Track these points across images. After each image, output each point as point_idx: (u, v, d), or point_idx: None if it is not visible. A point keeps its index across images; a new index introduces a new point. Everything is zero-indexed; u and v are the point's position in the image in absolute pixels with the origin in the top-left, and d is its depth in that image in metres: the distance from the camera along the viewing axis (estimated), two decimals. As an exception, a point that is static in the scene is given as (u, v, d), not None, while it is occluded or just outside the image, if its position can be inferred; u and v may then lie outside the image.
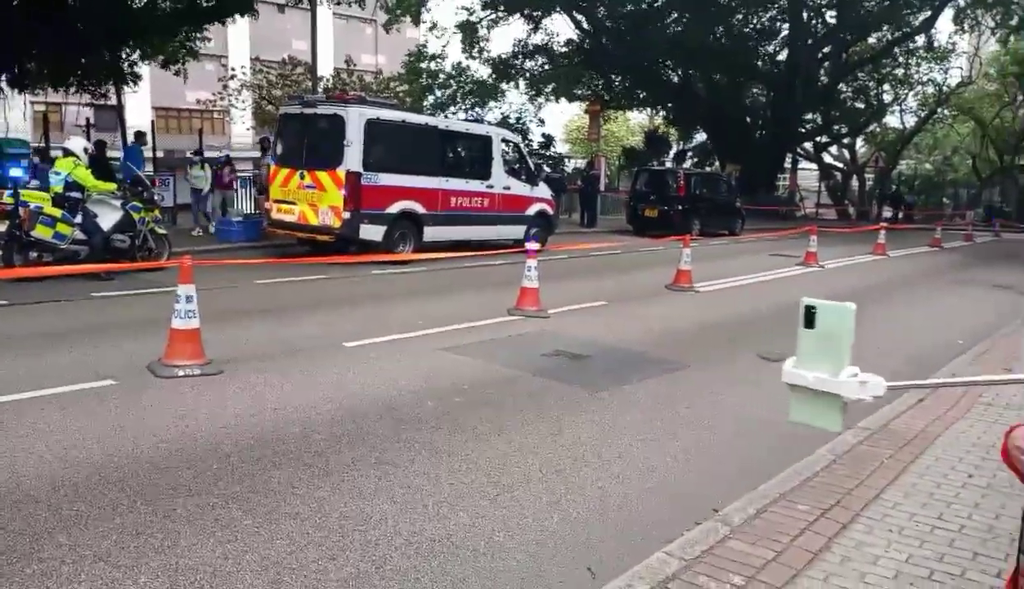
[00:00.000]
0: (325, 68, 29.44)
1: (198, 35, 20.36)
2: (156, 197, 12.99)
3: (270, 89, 28.67)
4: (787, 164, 37.72)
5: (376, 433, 5.10)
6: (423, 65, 32.99)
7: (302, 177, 13.50)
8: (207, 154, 18.47)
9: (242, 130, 38.05)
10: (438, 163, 14.77)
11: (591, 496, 4.34)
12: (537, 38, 33.51)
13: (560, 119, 53.08)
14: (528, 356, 7.39)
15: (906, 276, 15.83)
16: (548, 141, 34.66)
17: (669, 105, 36.77)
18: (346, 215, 13.03)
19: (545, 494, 4.31)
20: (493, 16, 31.77)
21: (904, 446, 5.24)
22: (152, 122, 25.02)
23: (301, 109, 13.96)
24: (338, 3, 27.47)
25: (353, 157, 13.05)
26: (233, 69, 29.41)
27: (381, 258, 12.49)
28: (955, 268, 18.06)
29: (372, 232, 13.32)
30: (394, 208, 13.64)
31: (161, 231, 12.15)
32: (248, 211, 18.48)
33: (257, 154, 21.88)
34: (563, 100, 36.10)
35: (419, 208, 14.09)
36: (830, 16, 33.82)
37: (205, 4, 18.65)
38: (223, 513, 3.86)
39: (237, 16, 20.89)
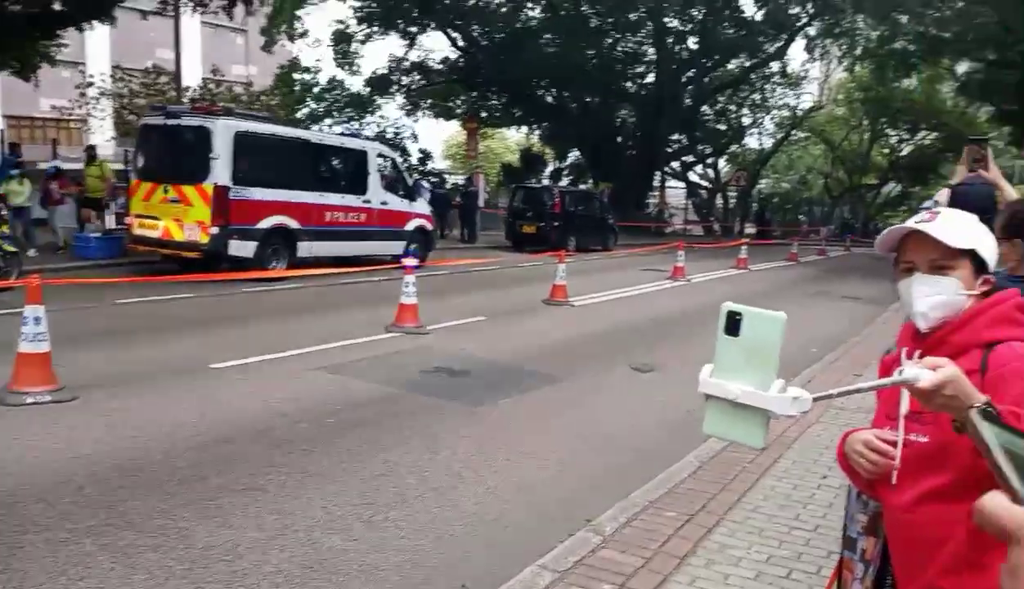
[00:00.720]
0: (192, 78, 28.26)
1: (49, 43, 19.08)
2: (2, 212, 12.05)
3: (132, 98, 27.22)
4: (656, 182, 39.31)
5: (244, 458, 4.91)
6: (296, 77, 32.29)
7: (166, 191, 12.89)
8: (64, 165, 17.21)
9: (101, 140, 35.88)
10: (312, 177, 14.46)
11: (467, 513, 4.34)
12: (414, 54, 33.55)
13: (439, 135, 53.10)
14: (406, 373, 7.33)
15: (765, 289, 16.77)
16: (426, 156, 34.68)
17: (544, 124, 37.59)
18: (214, 230, 12.53)
19: (421, 513, 4.28)
20: (368, 30, 31.51)
21: (765, 450, 5.54)
22: (2, 131, 23.24)
23: (164, 120, 13.34)
24: (202, 10, 26.45)
25: (221, 170, 12.59)
26: (91, 76, 27.71)
27: (252, 275, 12.07)
28: (810, 281, 19.28)
29: (242, 248, 12.87)
30: (265, 223, 13.24)
31: (10, 248, 11.29)
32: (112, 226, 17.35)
33: (121, 166, 20.61)
34: (440, 117, 36.29)
35: (292, 223, 13.74)
36: (692, 42, 35.61)
37: (59, 9, 17.51)
38: (76, 549, 3.61)
39: (95, 22, 19.73)
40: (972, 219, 1.76)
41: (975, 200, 3.28)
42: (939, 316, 1.68)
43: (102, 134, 33.52)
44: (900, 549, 1.75)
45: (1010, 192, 3.68)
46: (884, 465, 1.69)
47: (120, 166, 20.21)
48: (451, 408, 6.28)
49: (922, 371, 1.37)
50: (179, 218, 12.76)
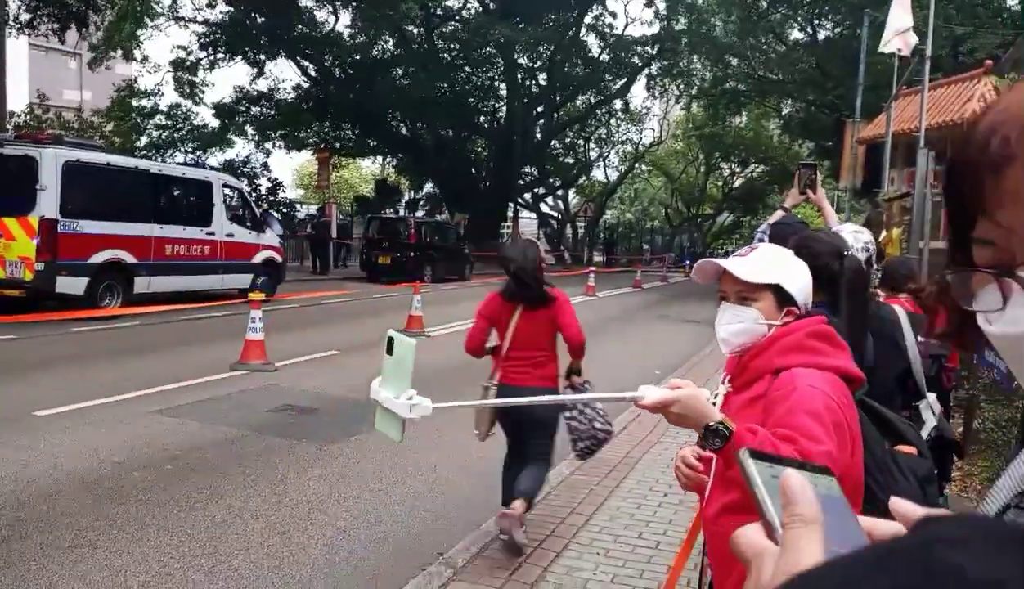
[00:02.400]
0: (18, 103, 26.23)
1: None
2: None
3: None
4: (510, 213, 40.13)
5: (71, 512, 4.56)
6: (134, 102, 30.65)
7: (-15, 225, 11.86)
8: None
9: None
10: (151, 208, 13.74)
11: (316, 555, 4.24)
12: (262, 83, 32.69)
13: (291, 164, 51.73)
14: (252, 413, 7.07)
15: (611, 314, 17.45)
16: (276, 186, 33.71)
17: (399, 155, 37.57)
18: (39, 266, 11.64)
19: (266, 559, 4.13)
20: (212, 57, 30.43)
21: (610, 472, 5.75)
22: None
23: (-17, 149, 12.30)
24: (30, 32, 24.69)
25: (48, 202, 11.74)
26: None
27: (83, 314, 11.27)
28: (653, 306, 20.25)
29: (72, 285, 12.02)
30: (98, 257, 12.44)
31: None
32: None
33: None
34: (292, 148, 35.47)
35: (128, 257, 12.98)
36: (542, 78, 36.82)
37: None
38: None
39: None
40: (783, 255, 1.93)
41: (789, 236, 3.57)
42: (740, 343, 1.85)
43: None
44: (711, 558, 1.90)
45: (831, 214, 3.99)
46: (696, 479, 1.85)
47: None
48: (300, 447, 6.11)
49: (649, 389, 1.54)
50: (0, 254, 11.76)
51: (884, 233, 9.62)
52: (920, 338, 3.23)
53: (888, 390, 2.97)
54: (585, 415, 4.39)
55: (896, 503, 0.61)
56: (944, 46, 18.78)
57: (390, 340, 1.57)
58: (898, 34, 11.52)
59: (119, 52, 27.98)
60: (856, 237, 3.17)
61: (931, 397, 3.24)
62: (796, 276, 1.88)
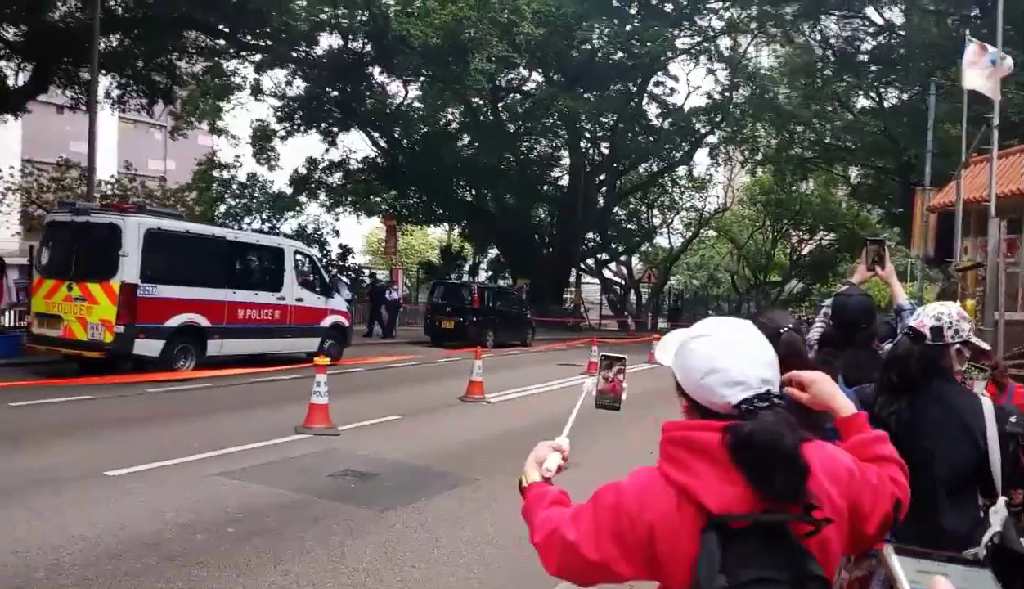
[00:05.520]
0: (106, 172, 27.77)
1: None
2: None
3: (40, 192, 26.47)
4: (572, 278, 40.25)
5: (134, 573, 4.67)
6: (215, 173, 32.16)
7: (70, 289, 12.49)
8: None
9: (6, 235, 34.51)
10: (225, 274, 14.27)
11: (370, 625, 4.22)
12: (334, 153, 33.97)
13: (360, 230, 53.19)
14: (314, 477, 7.16)
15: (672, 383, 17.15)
16: (346, 251, 34.68)
17: (464, 221, 38.27)
18: (119, 329, 12.14)
19: (321, 627, 4.14)
20: (289, 128, 31.86)
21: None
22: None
23: (72, 217, 13.05)
24: (123, 110, 26.32)
25: (129, 268, 12.32)
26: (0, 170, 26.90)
27: (158, 376, 11.68)
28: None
29: (148, 347, 12.49)
30: (174, 321, 12.92)
31: None
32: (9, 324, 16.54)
33: (25, 260, 19.82)
34: (361, 214, 36.57)
35: (202, 320, 13.44)
36: (604, 147, 37.26)
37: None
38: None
39: (7, 115, 19.34)
40: (681, 337, 1.67)
41: (852, 309, 3.49)
42: None
43: (6, 229, 32.32)
44: None
45: (898, 290, 3.90)
46: None
47: (23, 261, 19.48)
48: (358, 514, 6.15)
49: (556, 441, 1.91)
50: (83, 316, 12.34)
51: (959, 304, 9.32)
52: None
53: (956, 487, 2.79)
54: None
55: None
56: (1016, 113, 18.37)
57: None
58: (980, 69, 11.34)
59: (204, 123, 29.61)
60: (934, 309, 3.02)
61: (1001, 502, 3.03)
62: (680, 361, 1.61)
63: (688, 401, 1.59)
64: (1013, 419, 3.58)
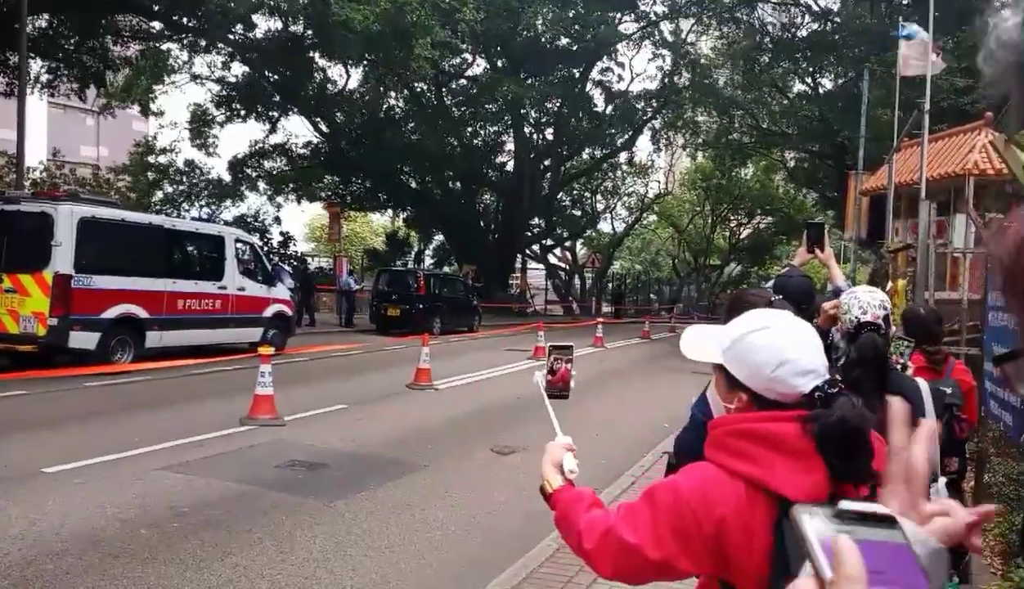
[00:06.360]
0: (35, 159, 26.79)
1: None
2: None
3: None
4: (518, 264, 40.39)
5: (76, 571, 4.57)
6: (151, 159, 31.30)
7: (0, 281, 12.05)
8: None
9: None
10: (164, 264, 13.94)
11: (321, 614, 4.22)
12: (275, 138, 33.35)
13: (302, 218, 52.25)
14: (260, 469, 7.08)
15: (620, 365, 17.43)
16: (287, 239, 34.12)
17: (409, 208, 38.03)
18: (52, 321, 11.77)
19: (272, 618, 4.12)
20: (228, 114, 31.13)
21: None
22: None
23: (1, 206, 12.57)
24: (52, 95, 25.37)
25: (63, 258, 11.94)
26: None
27: (95, 370, 11.35)
28: (661, 357, 20.19)
29: (84, 340, 12.14)
30: (111, 313, 12.57)
31: None
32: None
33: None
34: (304, 200, 36.01)
35: (141, 312, 13.11)
36: (549, 133, 37.41)
37: None
38: None
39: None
40: (733, 328, 1.62)
41: (793, 291, 3.57)
42: (717, 415, 1.70)
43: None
44: None
45: (836, 271, 4.03)
46: None
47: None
48: (307, 504, 6.11)
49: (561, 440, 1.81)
50: (14, 309, 11.92)
51: (890, 284, 9.64)
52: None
53: None
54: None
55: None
56: (945, 98, 19.03)
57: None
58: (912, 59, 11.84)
59: (136, 106, 28.72)
60: (872, 297, 3.15)
61: (941, 482, 3.18)
62: (739, 356, 1.57)
63: (749, 395, 1.55)
64: (949, 390, 3.78)
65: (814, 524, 0.68)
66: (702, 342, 1.68)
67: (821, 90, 32.63)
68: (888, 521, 0.68)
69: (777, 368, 1.50)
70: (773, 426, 1.46)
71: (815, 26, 31.52)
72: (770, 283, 3.96)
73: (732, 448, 1.49)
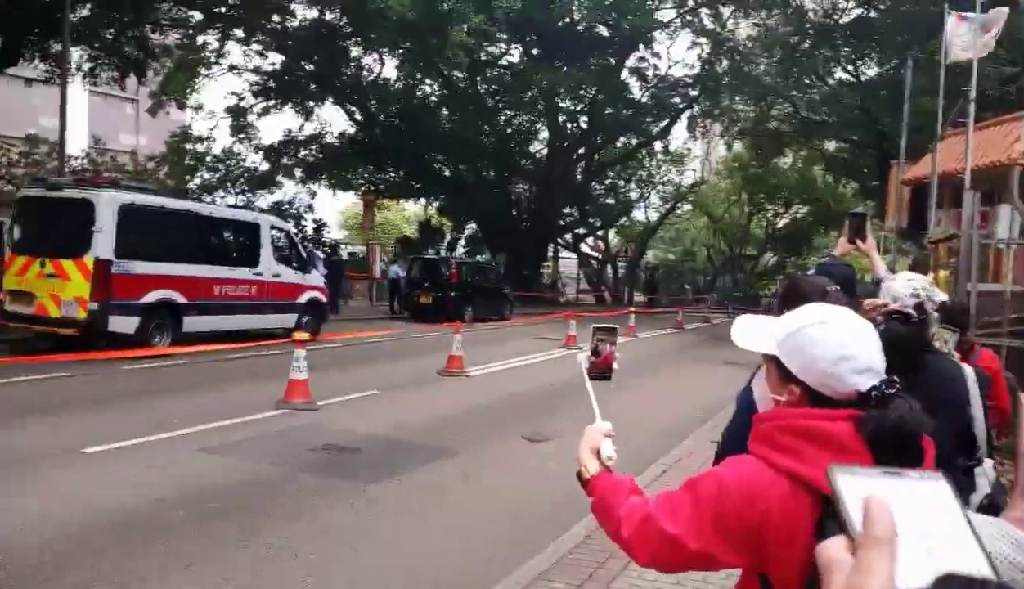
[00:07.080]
0: (76, 147, 27.33)
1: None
2: None
3: (10, 168, 26.00)
4: (550, 253, 40.28)
5: (111, 551, 4.65)
6: (188, 147, 31.76)
7: (43, 265, 12.31)
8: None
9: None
10: (201, 250, 14.13)
11: (352, 596, 4.26)
12: (310, 127, 33.61)
13: (336, 205, 52.75)
14: (294, 452, 7.15)
15: (652, 356, 17.31)
16: (321, 226, 34.42)
17: (442, 196, 38.10)
18: (93, 306, 12.00)
19: (304, 599, 4.16)
20: (264, 104, 31.44)
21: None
22: None
23: (44, 192, 12.83)
24: (94, 83, 25.80)
25: (103, 244, 12.15)
26: (-38, 144, 26.35)
27: (133, 353, 11.56)
28: (693, 347, 20.04)
29: (123, 324, 12.35)
30: (149, 297, 12.78)
31: None
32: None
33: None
34: (338, 189, 36.29)
35: (178, 297, 13.32)
36: (583, 121, 37.18)
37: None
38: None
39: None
40: (787, 321, 1.60)
41: (836, 280, 3.50)
42: (761, 409, 1.72)
43: (-28, 204, 31.64)
44: None
45: (877, 261, 3.94)
46: None
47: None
48: (340, 487, 6.16)
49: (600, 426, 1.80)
50: (56, 293, 12.18)
51: (931, 275, 9.45)
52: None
53: (944, 452, 2.85)
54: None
55: None
56: (992, 86, 18.52)
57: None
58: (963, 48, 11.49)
59: (172, 101, 29.20)
60: (908, 285, 3.08)
61: (988, 463, 3.11)
62: (796, 348, 1.54)
63: (802, 388, 1.52)
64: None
65: (853, 482, 0.66)
66: (755, 332, 1.65)
67: (863, 78, 31.95)
68: (934, 476, 0.66)
69: (837, 363, 1.48)
70: (824, 425, 1.44)
71: (858, 12, 30.81)
72: (811, 272, 3.88)
73: (780, 443, 1.47)
